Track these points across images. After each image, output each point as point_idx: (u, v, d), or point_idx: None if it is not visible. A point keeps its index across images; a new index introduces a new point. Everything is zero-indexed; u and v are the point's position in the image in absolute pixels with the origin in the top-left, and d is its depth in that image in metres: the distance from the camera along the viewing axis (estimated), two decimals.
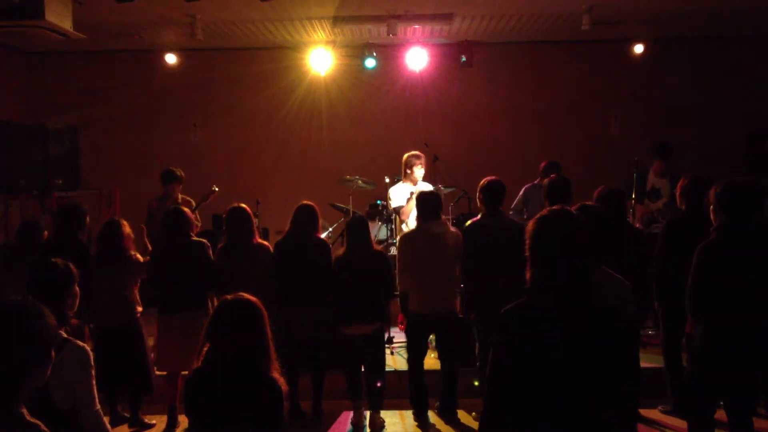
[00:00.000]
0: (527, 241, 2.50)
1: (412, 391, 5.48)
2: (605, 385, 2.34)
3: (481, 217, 5.40)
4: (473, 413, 5.49)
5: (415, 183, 6.93)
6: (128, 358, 5.32)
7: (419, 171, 6.91)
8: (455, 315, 5.46)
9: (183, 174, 7.53)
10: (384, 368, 5.55)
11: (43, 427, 2.10)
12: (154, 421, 5.52)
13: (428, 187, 6.89)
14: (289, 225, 5.51)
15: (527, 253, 2.49)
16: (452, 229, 5.55)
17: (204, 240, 5.50)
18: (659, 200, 6.92)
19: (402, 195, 6.98)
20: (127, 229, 5.46)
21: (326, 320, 5.39)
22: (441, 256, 5.36)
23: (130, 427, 5.47)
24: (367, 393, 5.42)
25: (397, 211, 7.08)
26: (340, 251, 5.46)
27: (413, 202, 6.67)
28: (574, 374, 2.32)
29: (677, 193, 5.26)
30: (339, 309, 5.33)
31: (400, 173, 7.23)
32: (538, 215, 2.55)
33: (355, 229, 5.38)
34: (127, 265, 5.36)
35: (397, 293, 5.57)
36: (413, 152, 7.02)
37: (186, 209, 5.53)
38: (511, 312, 2.45)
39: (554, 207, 2.55)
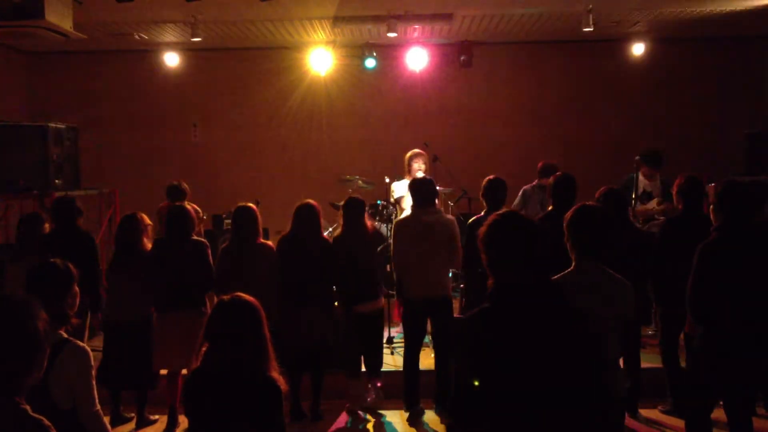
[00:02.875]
0: (481, 247, 2.45)
1: (405, 384, 5.51)
2: (579, 387, 2.29)
3: (483, 215, 5.42)
4: None
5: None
6: (137, 352, 5.33)
7: (416, 167, 7.08)
8: (449, 301, 5.52)
9: (187, 187, 7.36)
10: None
11: (45, 421, 2.12)
12: (156, 417, 5.57)
13: None
14: (290, 225, 5.53)
15: (483, 259, 2.45)
16: (447, 215, 5.61)
17: (204, 239, 5.52)
18: (651, 201, 7.04)
19: (402, 187, 7.27)
20: (146, 223, 5.57)
21: (326, 321, 5.44)
22: (433, 243, 5.40)
23: (136, 424, 5.52)
24: (371, 365, 5.69)
25: (398, 201, 7.36)
26: (337, 233, 5.67)
27: None
28: (546, 377, 2.27)
29: (674, 193, 5.26)
30: (349, 289, 5.50)
31: (401, 173, 7.36)
32: (488, 220, 2.51)
33: (350, 211, 5.60)
34: (144, 261, 5.41)
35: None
36: (412, 150, 7.24)
37: (190, 207, 5.54)
38: (475, 318, 2.39)
39: (502, 211, 2.53)
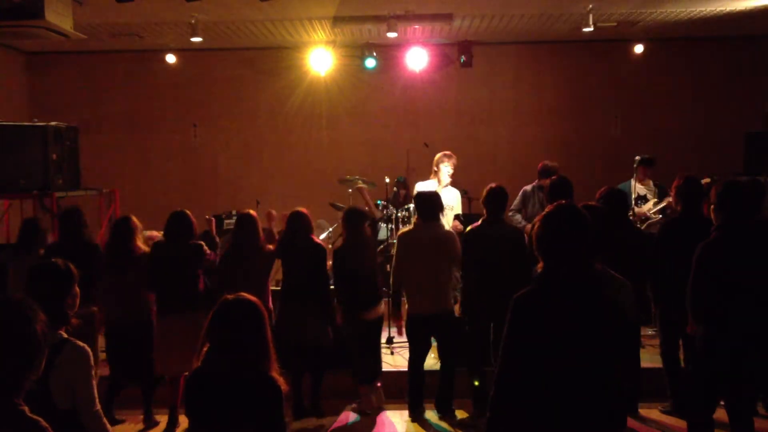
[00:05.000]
0: (538, 232, 2.63)
1: (409, 387, 5.57)
2: (604, 374, 2.49)
3: (481, 224, 5.41)
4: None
5: (440, 182, 6.87)
6: (138, 353, 5.35)
7: (445, 169, 6.84)
8: (452, 315, 5.52)
9: None
10: None
11: (43, 422, 2.12)
12: (158, 419, 5.56)
13: (453, 190, 6.93)
14: (283, 230, 5.73)
15: (535, 245, 2.63)
16: (447, 230, 5.62)
17: (201, 242, 5.57)
18: (647, 203, 7.13)
19: (427, 189, 7.04)
20: (136, 225, 5.56)
21: (323, 321, 5.54)
22: (435, 258, 5.42)
23: (144, 422, 5.52)
24: (374, 369, 5.73)
25: None
26: (339, 244, 5.73)
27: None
28: (575, 359, 2.48)
29: (672, 194, 5.27)
30: (352, 297, 5.55)
31: (401, 173, 7.27)
32: (545, 210, 2.67)
33: (351, 222, 5.66)
34: (138, 262, 5.42)
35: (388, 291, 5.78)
36: (442, 152, 6.98)
37: (188, 212, 5.57)
38: (522, 298, 2.61)
39: (561, 202, 2.69)
